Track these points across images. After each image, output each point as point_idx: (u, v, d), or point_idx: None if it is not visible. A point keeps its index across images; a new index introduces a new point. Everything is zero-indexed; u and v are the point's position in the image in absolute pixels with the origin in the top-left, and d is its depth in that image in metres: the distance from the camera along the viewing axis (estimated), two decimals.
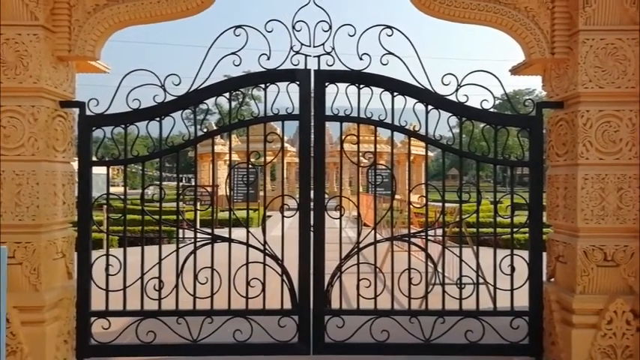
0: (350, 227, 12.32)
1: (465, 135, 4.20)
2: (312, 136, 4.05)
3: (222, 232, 4.19)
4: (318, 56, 3.96)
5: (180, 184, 4.71)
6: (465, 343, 3.94)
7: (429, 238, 4.22)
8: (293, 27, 3.92)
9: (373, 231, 4.13)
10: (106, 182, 4.20)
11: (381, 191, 15.81)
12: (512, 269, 3.97)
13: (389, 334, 3.93)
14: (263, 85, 4.02)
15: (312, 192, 4.04)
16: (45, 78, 3.59)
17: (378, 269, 4.08)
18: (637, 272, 3.58)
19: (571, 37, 3.74)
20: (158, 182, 4.32)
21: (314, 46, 3.96)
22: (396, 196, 5.58)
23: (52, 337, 3.58)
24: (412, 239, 4.14)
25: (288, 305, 4.01)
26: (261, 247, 4.00)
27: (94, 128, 3.96)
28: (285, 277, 4.00)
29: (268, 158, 4.34)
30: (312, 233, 3.99)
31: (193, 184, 4.78)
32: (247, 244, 4.00)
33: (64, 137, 3.82)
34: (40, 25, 3.55)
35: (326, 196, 4.14)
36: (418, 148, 17.68)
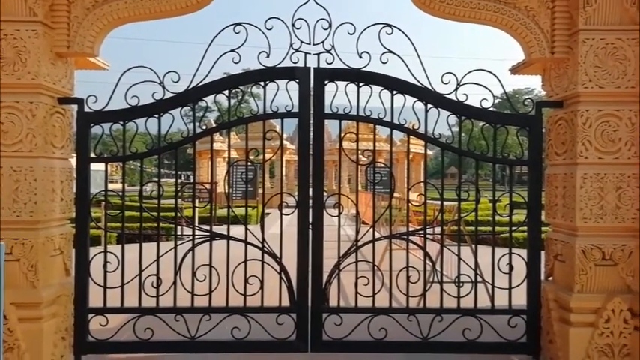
0: (349, 225, 12.32)
1: (464, 134, 4.20)
2: (312, 134, 4.04)
3: (221, 229, 4.19)
4: (318, 54, 3.96)
5: (179, 181, 4.70)
6: (462, 341, 3.94)
7: (427, 236, 4.22)
8: (293, 25, 3.91)
9: (372, 229, 4.13)
10: (104, 179, 4.19)
11: (380, 189, 15.78)
12: (511, 268, 3.98)
13: (387, 331, 3.93)
14: (262, 83, 4.01)
15: (310, 190, 4.04)
16: (43, 74, 3.58)
17: (376, 267, 4.09)
18: (635, 271, 3.58)
19: (571, 37, 3.74)
20: (157, 179, 4.31)
21: (314, 44, 3.95)
22: (395, 195, 5.57)
23: (49, 334, 3.58)
24: (411, 237, 4.14)
25: (286, 303, 4.01)
26: (260, 245, 4.00)
27: (92, 125, 3.95)
28: (283, 275, 4.00)
29: (267, 156, 4.34)
30: (310, 231, 3.99)
31: (192, 181, 4.78)
32: (245, 242, 4.00)
33: (62, 134, 3.81)
34: (38, 21, 3.54)
35: (325, 194, 4.14)
36: (417, 146, 17.72)
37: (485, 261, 4.21)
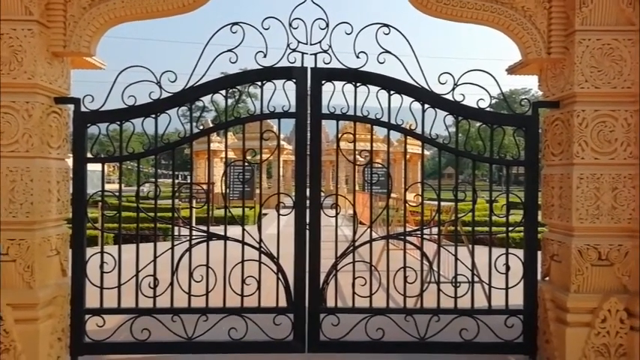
0: (346, 225, 12.33)
1: (461, 134, 4.22)
2: (309, 134, 4.04)
3: (218, 229, 4.18)
4: (315, 54, 3.95)
5: (176, 181, 4.69)
6: (459, 341, 3.95)
7: (424, 236, 4.22)
8: (290, 24, 3.91)
9: (369, 229, 4.13)
10: (101, 179, 4.18)
11: (377, 190, 15.81)
12: (507, 268, 3.98)
13: (384, 332, 3.94)
14: (259, 83, 4.01)
15: (308, 190, 4.04)
16: (39, 74, 3.57)
17: (373, 267, 4.09)
18: (631, 271, 3.60)
19: (567, 37, 3.75)
20: (154, 179, 4.30)
21: (311, 44, 3.95)
22: (392, 195, 5.58)
23: (45, 335, 3.56)
24: (408, 238, 4.15)
25: (283, 303, 4.00)
26: (257, 245, 4.00)
27: (89, 125, 3.94)
28: (280, 275, 4.00)
29: (264, 156, 4.33)
30: (307, 231, 3.98)
31: (189, 181, 4.77)
32: (243, 242, 3.99)
33: (58, 134, 3.80)
34: (34, 20, 3.53)
35: (322, 194, 4.14)
36: (414, 146, 17.72)
37: (482, 261, 4.22)
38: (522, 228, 4.06)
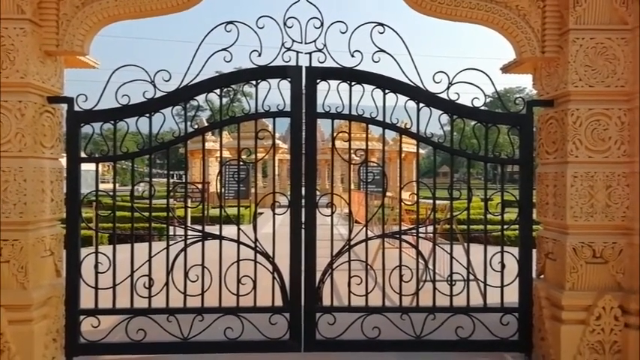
0: (341, 224, 12.33)
1: (456, 133, 4.22)
2: (304, 133, 4.03)
3: (213, 229, 4.17)
4: (310, 53, 3.95)
5: (171, 180, 4.67)
6: (455, 339, 3.96)
7: (419, 235, 4.23)
8: (284, 23, 3.90)
9: (364, 228, 4.13)
10: (95, 179, 4.15)
11: (373, 188, 15.83)
12: (503, 266, 4.00)
13: (380, 330, 3.94)
14: (254, 82, 3.99)
15: (303, 189, 4.03)
16: (32, 73, 3.54)
17: (369, 266, 4.09)
18: (625, 269, 3.62)
19: (561, 36, 3.76)
20: (148, 179, 4.28)
21: (305, 43, 3.94)
22: (388, 194, 5.59)
23: (40, 336, 3.54)
24: (403, 236, 4.15)
25: (279, 302, 4.00)
26: (252, 245, 3.99)
27: (82, 124, 3.91)
28: (276, 275, 3.99)
29: (259, 155, 4.32)
30: (303, 230, 3.98)
31: (184, 180, 4.75)
32: (238, 242, 3.98)
33: (52, 133, 3.77)
34: (26, 19, 3.50)
35: (317, 193, 4.13)
36: (409, 145, 17.76)
37: (477, 259, 4.23)
38: (517, 226, 4.07)
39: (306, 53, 3.96)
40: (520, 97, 4.20)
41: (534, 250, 4.07)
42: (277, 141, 6.69)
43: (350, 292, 3.98)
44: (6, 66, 3.48)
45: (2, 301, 3.39)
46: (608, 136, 3.63)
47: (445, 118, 4.11)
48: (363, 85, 4.00)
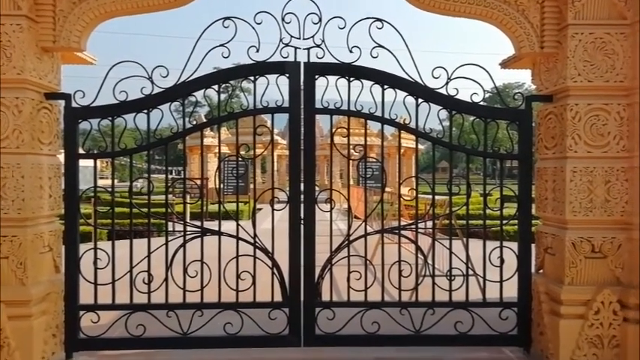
0: (340, 220, 12.34)
1: (454, 128, 4.22)
2: (302, 129, 4.03)
3: (212, 225, 4.16)
4: (308, 49, 3.93)
5: (170, 176, 4.67)
6: (454, 334, 3.97)
7: (419, 230, 4.23)
8: (282, 19, 3.88)
9: (364, 223, 4.13)
10: (93, 175, 4.15)
11: (372, 184, 15.84)
12: (502, 261, 4.01)
13: (379, 325, 3.95)
14: (252, 78, 3.98)
15: (302, 185, 4.03)
16: (29, 69, 3.52)
17: (368, 261, 4.09)
18: (624, 263, 3.63)
19: (560, 32, 3.75)
20: (147, 175, 4.27)
21: (304, 39, 3.93)
22: (387, 189, 5.60)
23: (39, 332, 3.55)
24: (402, 231, 4.15)
25: (278, 298, 4.00)
26: (252, 240, 3.99)
27: (80, 120, 3.90)
28: (275, 270, 4.00)
29: (258, 151, 4.32)
30: (302, 226, 3.98)
31: (183, 176, 4.73)
32: (237, 237, 3.98)
33: (49, 130, 3.76)
34: (23, 15, 3.48)
35: (316, 188, 4.13)
36: (408, 141, 17.73)
37: (476, 254, 4.24)
38: (516, 221, 4.08)
39: (304, 49, 3.94)
40: (519, 93, 4.19)
41: (533, 245, 4.08)
42: (276, 137, 6.66)
43: (349, 287, 3.99)
44: (3, 62, 3.46)
45: (2, 297, 3.39)
46: (607, 131, 3.63)
47: (444, 113, 4.09)
48: (362, 80, 4.00)
